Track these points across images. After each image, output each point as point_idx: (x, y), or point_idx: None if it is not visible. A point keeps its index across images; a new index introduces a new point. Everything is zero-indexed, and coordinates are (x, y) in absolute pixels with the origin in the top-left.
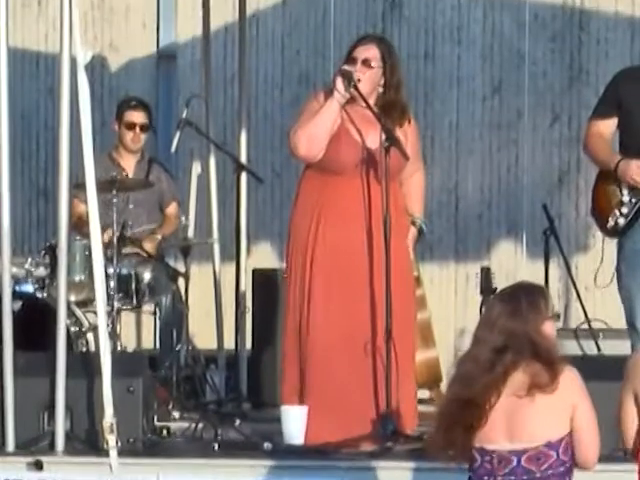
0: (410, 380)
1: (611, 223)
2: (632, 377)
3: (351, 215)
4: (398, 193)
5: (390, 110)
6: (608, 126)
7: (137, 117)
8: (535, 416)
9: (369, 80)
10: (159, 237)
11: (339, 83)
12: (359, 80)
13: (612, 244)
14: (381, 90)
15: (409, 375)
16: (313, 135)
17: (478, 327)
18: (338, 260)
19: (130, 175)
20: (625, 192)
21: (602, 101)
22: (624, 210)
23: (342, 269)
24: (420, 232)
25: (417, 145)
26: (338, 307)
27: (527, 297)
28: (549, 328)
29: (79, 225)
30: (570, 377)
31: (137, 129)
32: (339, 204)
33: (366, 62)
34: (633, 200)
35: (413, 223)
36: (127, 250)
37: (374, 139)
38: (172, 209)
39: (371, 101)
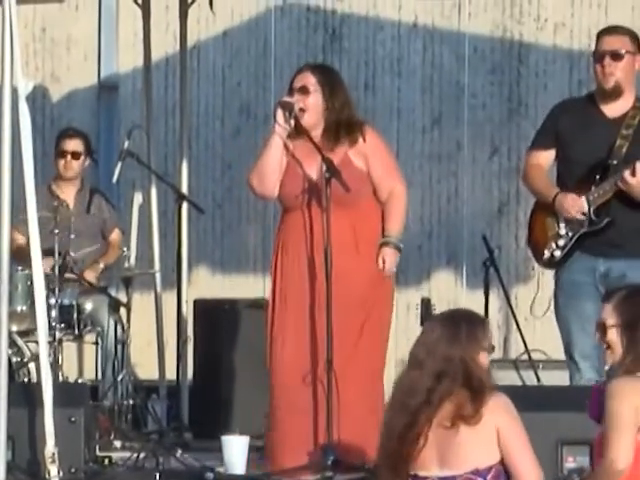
0: (354, 409)
1: (547, 255)
2: (631, 394)
3: (300, 247)
4: (355, 218)
5: (339, 130)
6: (546, 157)
7: (70, 145)
8: (461, 445)
9: (312, 107)
10: (102, 266)
11: (279, 116)
12: (302, 110)
13: (550, 274)
14: (326, 113)
15: (353, 404)
16: (261, 172)
17: (416, 347)
18: (292, 292)
19: (70, 205)
20: (562, 224)
21: (540, 133)
22: (560, 242)
23: (292, 300)
24: (399, 250)
25: (386, 158)
26: (289, 338)
27: (467, 324)
28: (483, 358)
29: (20, 255)
30: (495, 403)
31: (68, 157)
32: (289, 238)
33: (302, 89)
34: (569, 233)
35: (386, 244)
36: (69, 281)
37: (316, 170)
38: (115, 235)
39: (320, 128)
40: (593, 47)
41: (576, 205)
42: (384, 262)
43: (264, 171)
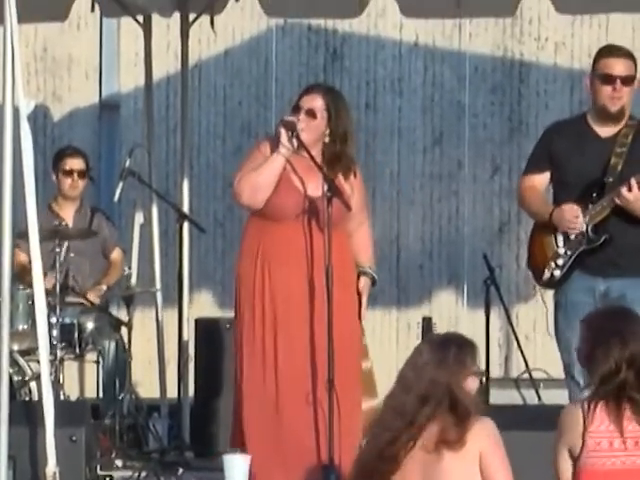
0: (354, 430)
1: (547, 275)
2: (566, 430)
3: (293, 263)
4: (344, 243)
5: (335, 162)
6: (541, 180)
7: (74, 164)
8: (445, 471)
9: (313, 129)
10: (104, 287)
11: (283, 135)
12: (302, 129)
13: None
14: (327, 140)
15: (352, 425)
16: (257, 185)
17: (405, 368)
18: (282, 309)
19: (70, 224)
20: (560, 244)
21: (534, 156)
22: (559, 262)
23: (286, 318)
24: (373, 282)
25: (363, 198)
26: (283, 356)
27: (456, 349)
28: (472, 383)
29: (21, 275)
30: (479, 427)
31: (75, 175)
32: (280, 252)
33: (310, 112)
34: (568, 252)
35: (364, 274)
36: (70, 299)
37: (316, 188)
38: (116, 255)
39: (316, 150)
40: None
41: (573, 211)
42: (360, 291)
43: (260, 187)
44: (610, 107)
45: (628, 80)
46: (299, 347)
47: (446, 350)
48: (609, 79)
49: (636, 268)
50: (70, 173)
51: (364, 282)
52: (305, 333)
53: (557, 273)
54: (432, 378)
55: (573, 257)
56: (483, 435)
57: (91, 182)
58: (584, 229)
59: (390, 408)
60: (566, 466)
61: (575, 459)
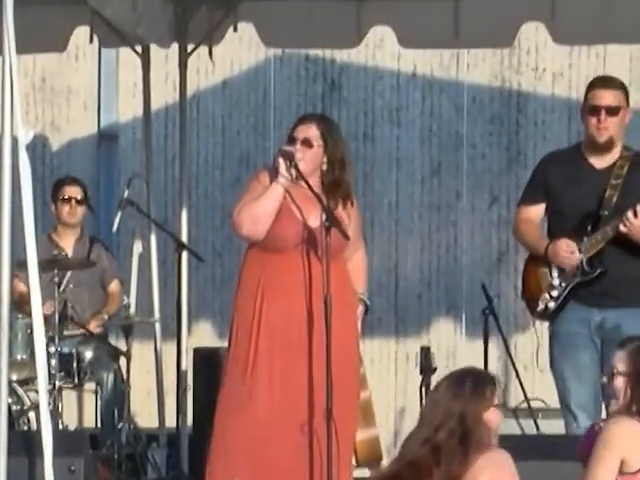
0: (348, 460)
1: (541, 307)
2: (623, 441)
3: (293, 293)
4: (344, 271)
5: (334, 188)
6: (537, 211)
7: (72, 192)
8: None
9: (311, 158)
10: (105, 317)
11: (282, 165)
12: (300, 159)
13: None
14: (325, 168)
15: (347, 455)
16: (257, 216)
17: (425, 406)
18: (280, 339)
19: (70, 254)
20: (555, 275)
21: (529, 187)
22: (554, 293)
23: (285, 348)
24: (366, 309)
25: (359, 227)
26: (280, 386)
27: (473, 382)
28: (492, 416)
29: (20, 304)
30: (492, 458)
31: (73, 202)
32: (281, 282)
33: (306, 142)
34: (563, 284)
35: (360, 300)
36: (69, 328)
37: (315, 218)
38: (114, 286)
39: (314, 179)
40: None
41: (568, 247)
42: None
43: (261, 216)
44: (597, 138)
45: (613, 111)
46: (296, 377)
47: (463, 383)
48: (594, 110)
49: (632, 299)
50: (68, 200)
51: (359, 310)
52: (303, 363)
53: (551, 305)
54: (446, 408)
55: (568, 289)
56: (496, 466)
57: (90, 211)
58: (578, 254)
59: (405, 441)
60: (609, 477)
61: (627, 473)
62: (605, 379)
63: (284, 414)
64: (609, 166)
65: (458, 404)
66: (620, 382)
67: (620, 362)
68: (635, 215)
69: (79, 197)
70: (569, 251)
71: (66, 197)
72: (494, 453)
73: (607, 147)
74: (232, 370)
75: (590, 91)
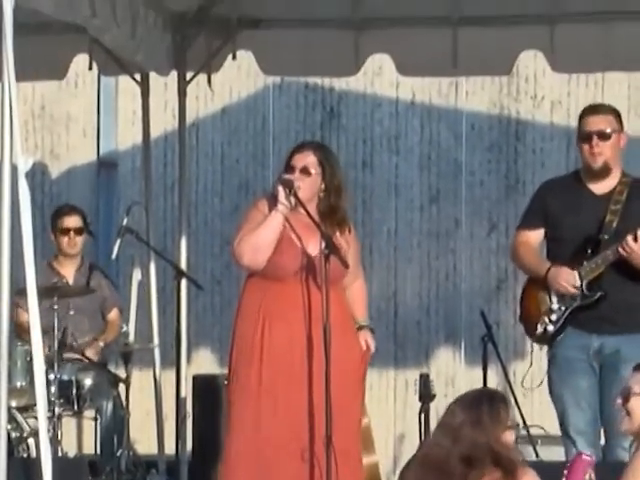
0: None
1: (540, 330)
2: None
3: (293, 322)
4: (343, 298)
5: (331, 215)
6: (535, 236)
7: (70, 222)
8: None
9: (308, 186)
10: (102, 344)
11: (281, 193)
12: (299, 187)
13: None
14: (322, 195)
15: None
16: (257, 246)
17: (438, 431)
18: (283, 367)
19: (70, 282)
20: (554, 299)
21: (528, 212)
22: (553, 317)
23: (287, 376)
24: (373, 332)
25: (358, 254)
26: (283, 413)
27: (489, 406)
28: (509, 436)
29: (20, 332)
30: (529, 473)
31: (72, 233)
32: (281, 310)
33: (304, 170)
34: (562, 308)
35: (361, 327)
36: (68, 356)
37: (314, 246)
38: (114, 315)
39: (312, 206)
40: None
41: (570, 278)
42: (368, 344)
43: (261, 246)
44: (592, 164)
45: (603, 135)
46: (299, 404)
47: (479, 408)
48: (587, 136)
49: (631, 325)
50: (67, 231)
51: (367, 335)
52: (304, 391)
53: (550, 328)
54: (472, 440)
55: (567, 313)
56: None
57: (90, 237)
58: (578, 285)
59: (433, 470)
60: None
61: None
62: (620, 400)
63: (289, 441)
64: (608, 192)
65: (481, 433)
66: (636, 402)
67: (637, 384)
68: (635, 239)
69: (77, 227)
70: (570, 284)
71: (64, 227)
72: (528, 471)
73: (604, 172)
74: (237, 400)
75: (582, 119)
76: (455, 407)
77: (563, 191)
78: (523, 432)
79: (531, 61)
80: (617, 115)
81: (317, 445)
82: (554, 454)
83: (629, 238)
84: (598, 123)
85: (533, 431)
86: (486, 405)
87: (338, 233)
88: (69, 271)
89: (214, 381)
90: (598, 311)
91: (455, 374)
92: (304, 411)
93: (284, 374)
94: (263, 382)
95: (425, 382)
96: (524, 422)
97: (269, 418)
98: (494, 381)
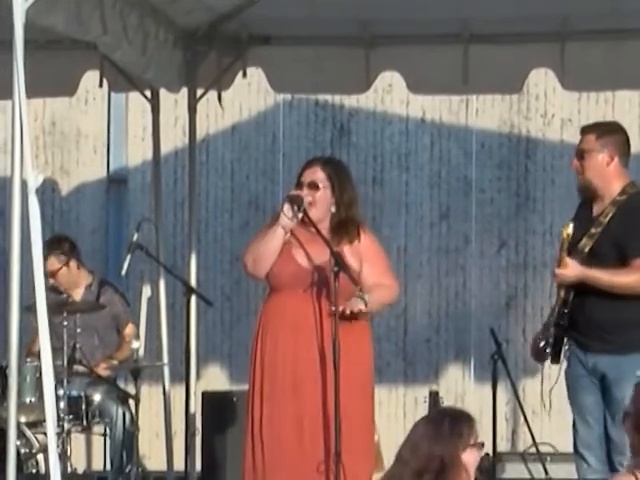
0: None
1: (541, 346)
2: None
3: (300, 334)
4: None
5: (341, 229)
6: None
7: (48, 265)
8: None
9: (320, 202)
10: (115, 362)
11: (286, 208)
12: (310, 204)
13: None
14: (333, 210)
15: None
16: (258, 255)
17: (403, 446)
18: (272, 381)
19: (78, 299)
20: (551, 319)
21: None
22: (547, 335)
23: (273, 384)
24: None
25: (379, 260)
26: (292, 426)
27: (451, 422)
28: (470, 456)
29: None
30: None
31: (55, 275)
32: (272, 320)
33: (312, 185)
34: (552, 328)
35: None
36: (77, 368)
37: (322, 261)
38: (129, 330)
39: (325, 222)
40: None
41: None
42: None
43: (261, 257)
44: (577, 182)
45: (579, 154)
46: (312, 418)
47: (440, 423)
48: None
49: (620, 344)
50: (50, 275)
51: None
52: (315, 403)
53: (542, 344)
54: (428, 453)
55: (553, 333)
56: None
57: (80, 264)
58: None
59: None
60: None
61: None
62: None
63: (296, 458)
64: (597, 215)
65: (438, 446)
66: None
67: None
68: (558, 266)
69: (55, 269)
70: (564, 266)
71: (46, 273)
72: None
73: (588, 191)
74: (250, 414)
75: None
76: (420, 422)
77: (580, 213)
78: (532, 450)
79: (541, 79)
80: (601, 134)
81: (326, 461)
82: (564, 472)
83: (555, 270)
84: (579, 142)
85: (542, 449)
86: (448, 420)
87: (348, 246)
88: (77, 292)
89: (224, 397)
90: (587, 330)
91: (465, 391)
92: (317, 425)
93: (273, 382)
94: (264, 397)
95: (435, 399)
96: (533, 440)
97: (276, 432)
98: (504, 398)
